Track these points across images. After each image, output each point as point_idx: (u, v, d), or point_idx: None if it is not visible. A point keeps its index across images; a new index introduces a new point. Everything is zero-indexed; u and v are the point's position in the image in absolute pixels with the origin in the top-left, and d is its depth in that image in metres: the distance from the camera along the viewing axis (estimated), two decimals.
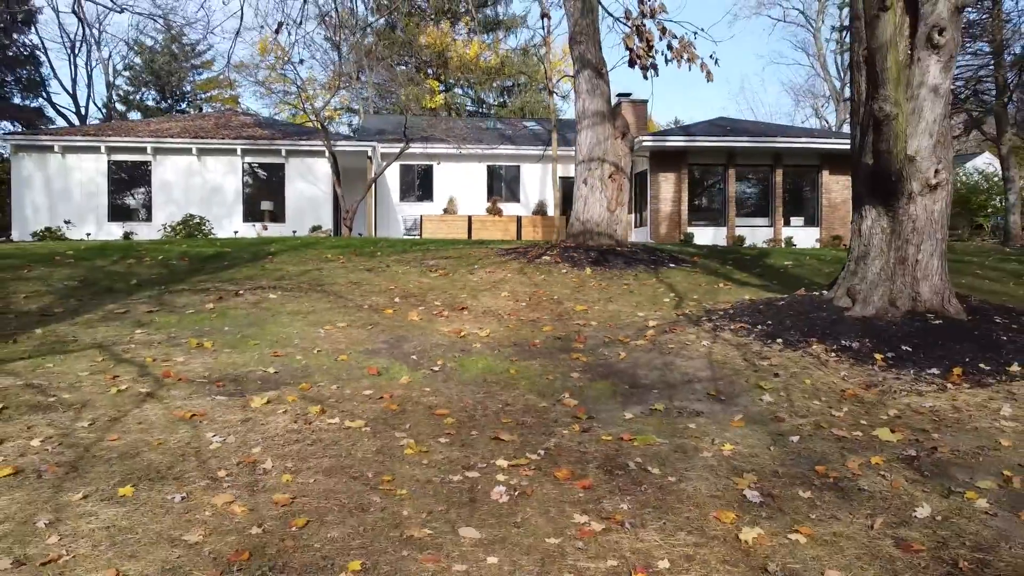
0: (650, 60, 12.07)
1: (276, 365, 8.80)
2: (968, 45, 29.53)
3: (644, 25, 11.55)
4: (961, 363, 8.50)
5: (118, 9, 14.78)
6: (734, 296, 12.85)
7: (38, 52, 54.50)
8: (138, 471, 5.76)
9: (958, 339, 9.10)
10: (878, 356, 8.83)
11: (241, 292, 12.69)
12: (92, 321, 10.64)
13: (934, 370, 8.41)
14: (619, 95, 34.53)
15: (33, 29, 49.23)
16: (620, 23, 12.17)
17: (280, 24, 13.49)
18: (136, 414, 7.04)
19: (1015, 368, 8.35)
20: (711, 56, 11.82)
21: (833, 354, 9.07)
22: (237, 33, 17.01)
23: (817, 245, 29.59)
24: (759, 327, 10.29)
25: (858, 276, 10.30)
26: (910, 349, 8.92)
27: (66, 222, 29.41)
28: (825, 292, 11.20)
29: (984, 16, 28.86)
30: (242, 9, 11.49)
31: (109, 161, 30.35)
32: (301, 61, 41.93)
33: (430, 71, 53.46)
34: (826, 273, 14.31)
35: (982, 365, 8.49)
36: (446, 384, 8.36)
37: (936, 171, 9.80)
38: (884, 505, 5.46)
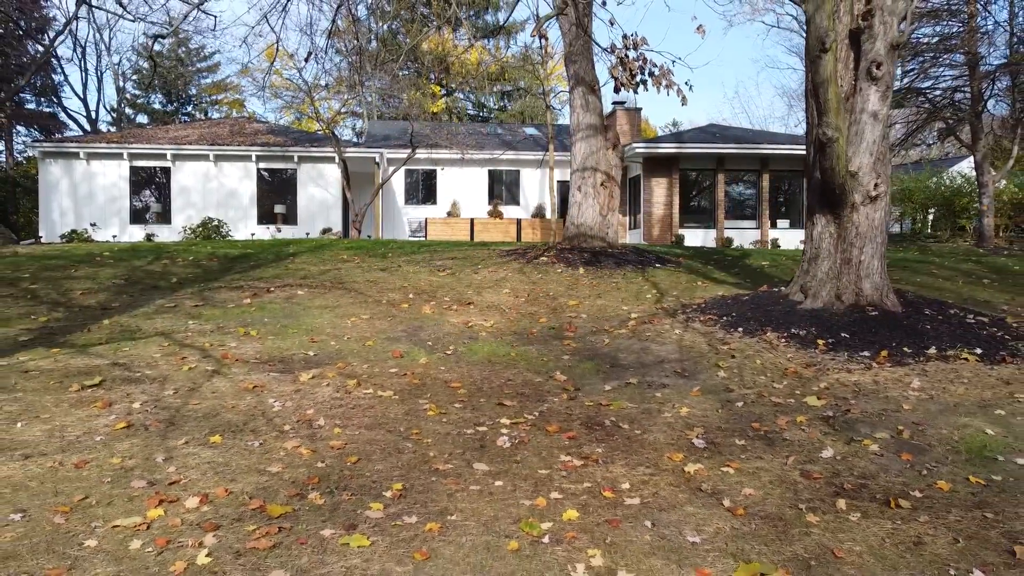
0: (637, 80, 13.49)
1: (314, 349, 10.36)
2: (944, 58, 30.89)
3: (628, 56, 13.01)
4: (888, 347, 10.00)
5: (130, 18, 16.14)
6: (710, 292, 14.30)
7: (51, 58, 55.83)
8: (221, 426, 7.39)
9: (890, 328, 10.58)
10: (820, 342, 10.34)
11: (272, 289, 14.22)
12: (148, 314, 12.16)
13: (865, 353, 9.92)
14: (614, 103, 35.92)
15: (46, 36, 50.64)
16: (607, 53, 13.61)
17: (310, 54, 15.02)
18: (208, 386, 8.66)
19: (932, 351, 9.87)
20: (686, 83, 13.30)
21: (783, 340, 10.56)
22: (271, 66, 18.51)
23: (801, 246, 30.90)
24: (724, 318, 11.78)
25: (810, 275, 11.74)
26: (848, 336, 10.42)
27: (91, 224, 30.78)
28: (784, 288, 12.71)
29: (960, 29, 30.20)
30: (277, 46, 12.73)
31: (131, 167, 31.72)
32: (326, 86, 43.16)
33: (432, 76, 54.83)
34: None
35: (906, 348, 9.96)
36: (458, 364, 9.94)
37: (876, 184, 11.26)
38: (799, 449, 7.05)
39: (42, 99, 56.31)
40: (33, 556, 4.85)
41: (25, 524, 5.27)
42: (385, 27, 52.54)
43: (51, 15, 51.54)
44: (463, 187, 36.61)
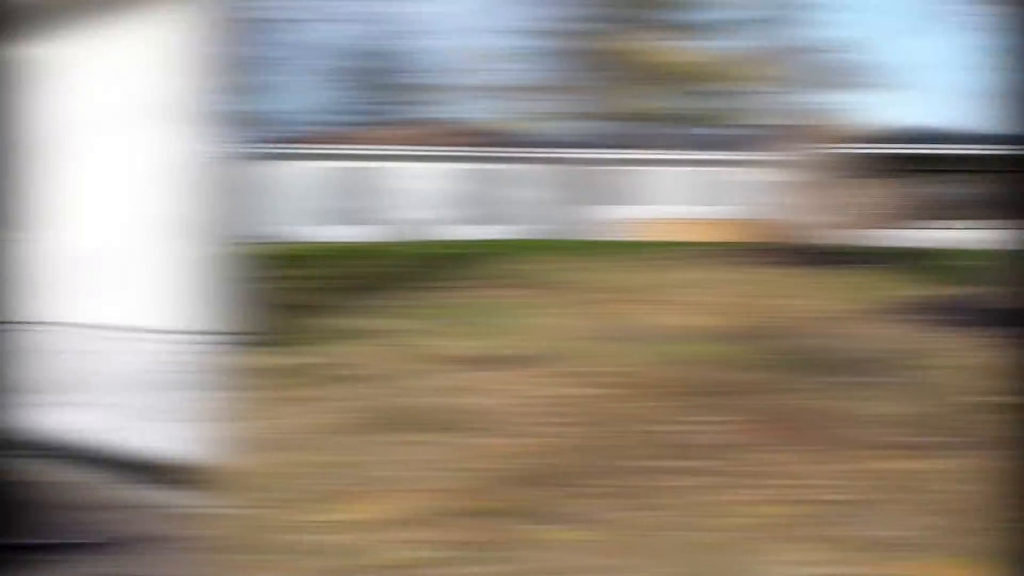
0: (849, 80, 13.41)
1: (521, 348, 10.47)
2: None
3: (839, 57, 12.91)
4: None
5: (346, 20, 16.50)
6: (916, 292, 14.29)
7: (280, 61, 56.60)
8: (431, 423, 7.58)
9: None
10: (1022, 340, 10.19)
11: (481, 288, 14.46)
12: (361, 313, 12.51)
13: None
14: (825, 103, 35.24)
15: (261, 36, 51.37)
16: (819, 53, 13.56)
17: (522, 54, 15.21)
18: (420, 384, 8.92)
19: None
20: (899, 82, 13.13)
21: (984, 338, 10.47)
22: (481, 67, 18.65)
23: (1009, 247, 29.70)
24: (928, 317, 11.81)
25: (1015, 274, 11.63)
26: None
27: (301, 224, 31.33)
28: (988, 288, 12.58)
29: None
30: (486, 47, 12.88)
31: (338, 167, 32.36)
32: (537, 87, 43.48)
33: (643, 77, 54.40)
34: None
35: None
36: (662, 363, 9.94)
37: None
38: (992, 441, 6.98)
39: (255, 101, 57.40)
40: (248, 549, 5.13)
41: (241, 518, 5.57)
42: (595, 28, 52.42)
43: (267, 15, 52.74)
44: (672, 187, 36.33)
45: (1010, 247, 12.93)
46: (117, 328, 7.93)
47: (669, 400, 8.49)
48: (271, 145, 34.21)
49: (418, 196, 32.67)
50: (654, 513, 5.67)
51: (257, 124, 53.32)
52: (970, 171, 31.99)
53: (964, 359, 9.83)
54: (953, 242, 30.16)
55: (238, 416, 7.72)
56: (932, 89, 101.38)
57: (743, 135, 40.10)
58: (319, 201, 32.50)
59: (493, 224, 32.50)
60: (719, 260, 17.58)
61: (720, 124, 48.69)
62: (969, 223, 32.01)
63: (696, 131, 43.05)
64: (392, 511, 5.66)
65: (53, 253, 8.10)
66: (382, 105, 65.81)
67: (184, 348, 7.65)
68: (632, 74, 53.53)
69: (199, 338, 7.61)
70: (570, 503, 5.83)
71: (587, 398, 8.48)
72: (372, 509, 5.67)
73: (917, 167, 32.60)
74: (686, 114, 63.78)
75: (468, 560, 4.98)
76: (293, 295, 14.06)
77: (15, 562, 5.28)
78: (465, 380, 9.03)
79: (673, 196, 36.59)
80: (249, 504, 5.76)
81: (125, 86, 8.22)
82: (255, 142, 35.25)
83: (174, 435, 7.16)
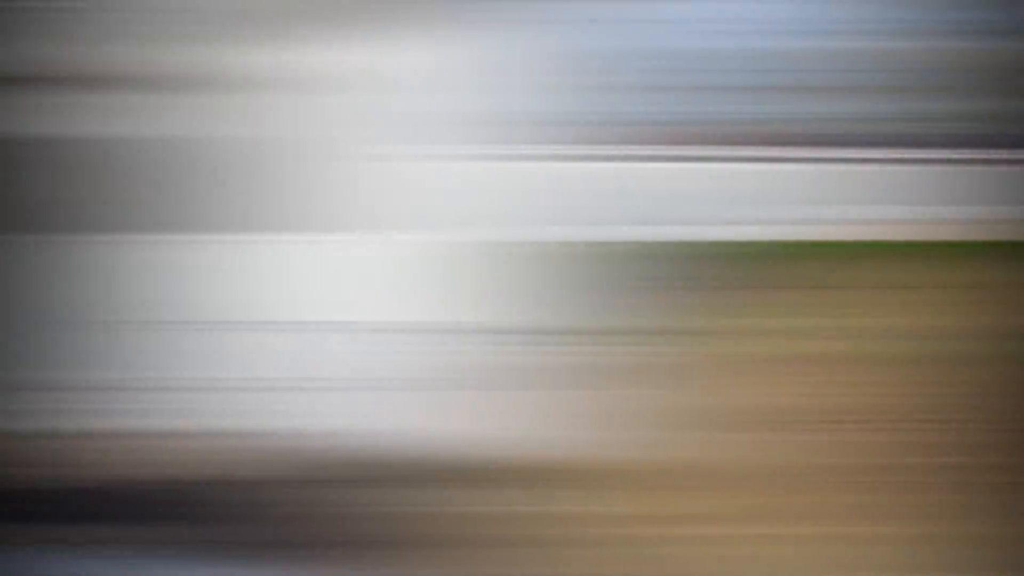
0: None
1: (821, 348, 11.41)
2: None
3: None
4: None
5: (640, 21, 17.00)
6: None
7: (580, 63, 57.62)
8: (747, 423, 8.55)
9: None
10: None
11: (778, 288, 15.42)
12: (705, 312, 13.59)
13: None
14: None
15: (568, 42, 52.05)
16: None
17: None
18: (729, 383, 9.91)
19: None
20: None
21: None
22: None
23: None
24: None
25: None
26: None
27: (598, 224, 32.43)
28: None
29: None
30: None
31: (638, 168, 33.60)
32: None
33: (926, 76, 53.59)
34: None
35: None
36: (957, 362, 10.73)
37: None
38: None
39: (553, 102, 58.47)
40: (558, 544, 6.06)
41: (558, 515, 6.55)
42: (886, 28, 52.04)
43: (562, 18, 53.63)
44: (939, 187, 36.07)
45: None
46: (424, 327, 8.86)
47: (967, 399, 9.05)
48: (571, 146, 35.37)
49: (709, 196, 33.43)
50: (971, 511, 6.32)
51: (555, 126, 55.30)
52: None
53: None
54: None
55: (544, 413, 8.78)
56: None
57: (1009, 135, 39.67)
58: (616, 200, 33.57)
59: (777, 225, 33.07)
60: (998, 259, 17.72)
61: (989, 124, 48.03)
62: None
63: (965, 130, 42.73)
64: (715, 508, 6.41)
65: (361, 255, 9.07)
66: (675, 106, 66.76)
67: (492, 346, 8.53)
68: (914, 73, 52.99)
69: (507, 336, 8.48)
70: (890, 499, 6.51)
71: (892, 397, 9.15)
72: (688, 504, 6.44)
73: None
74: (960, 114, 62.68)
75: (789, 557, 5.74)
76: (595, 294, 15.02)
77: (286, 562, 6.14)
78: (799, 378, 9.72)
79: (944, 196, 36.50)
80: (562, 501, 6.63)
81: (431, 93, 9.15)
82: (554, 143, 36.40)
83: (477, 434, 8.11)
